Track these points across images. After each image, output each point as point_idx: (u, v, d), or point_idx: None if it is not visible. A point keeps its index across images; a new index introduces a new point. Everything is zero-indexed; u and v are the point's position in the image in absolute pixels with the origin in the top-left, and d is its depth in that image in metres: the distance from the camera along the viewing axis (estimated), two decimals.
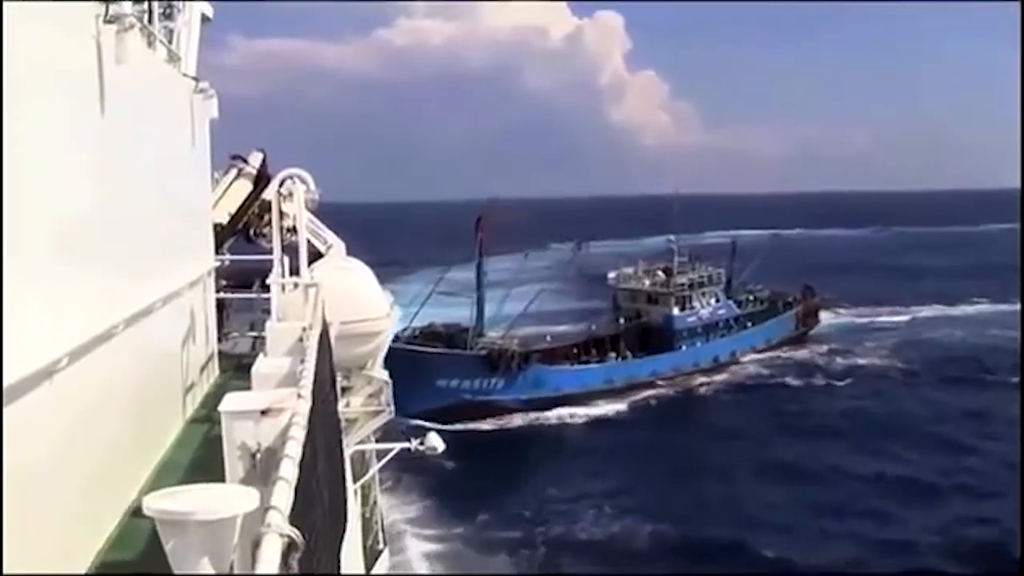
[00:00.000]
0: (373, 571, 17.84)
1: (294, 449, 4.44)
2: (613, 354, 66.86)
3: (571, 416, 60.96)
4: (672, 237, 74.52)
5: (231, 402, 5.36)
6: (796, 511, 43.49)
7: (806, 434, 55.69)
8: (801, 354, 76.30)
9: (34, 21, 6.76)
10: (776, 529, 40.97)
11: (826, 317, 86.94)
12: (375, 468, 19.15)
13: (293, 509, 3.86)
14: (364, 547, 17.45)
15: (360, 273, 15.17)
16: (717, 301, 74.19)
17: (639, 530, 41.42)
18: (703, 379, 69.72)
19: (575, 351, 66.29)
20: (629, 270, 75.30)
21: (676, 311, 70.49)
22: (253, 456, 5.25)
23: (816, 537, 40.44)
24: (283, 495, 3.77)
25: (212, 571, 3.84)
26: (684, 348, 70.41)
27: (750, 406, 63.33)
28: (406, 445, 17.35)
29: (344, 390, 15.21)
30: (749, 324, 75.75)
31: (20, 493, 6.18)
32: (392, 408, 15.34)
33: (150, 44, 11.98)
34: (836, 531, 41.08)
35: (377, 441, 18.06)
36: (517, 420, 60.15)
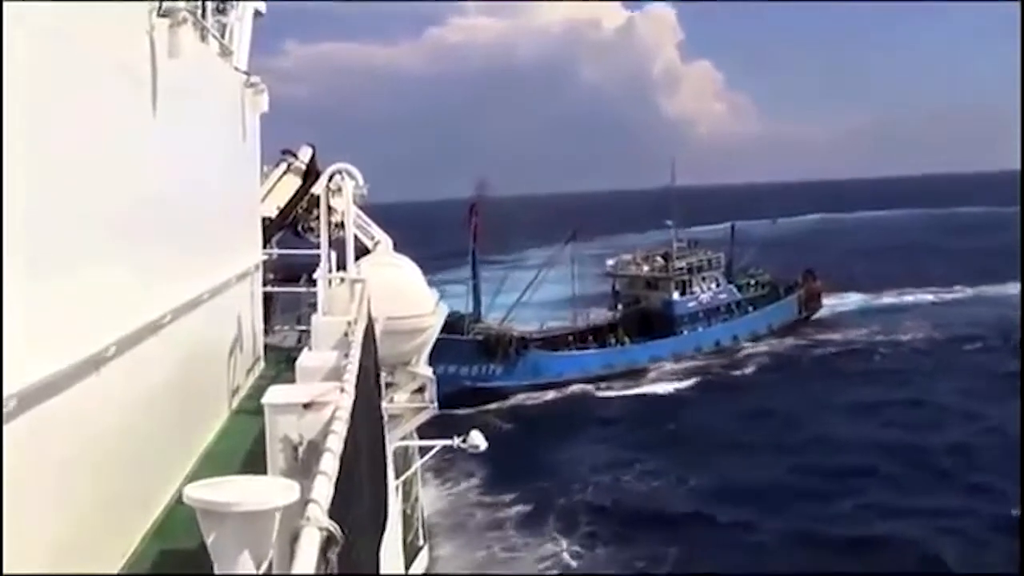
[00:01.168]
0: (412, 567, 17.91)
1: (335, 443, 4.43)
2: (613, 339, 66.16)
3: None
4: (669, 222, 73.73)
5: (275, 395, 5.37)
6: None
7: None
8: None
9: (89, 14, 6.83)
10: None
11: (830, 302, 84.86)
12: (417, 464, 19.23)
13: (333, 503, 3.85)
14: (404, 543, 17.53)
15: (407, 269, 15.20)
16: (717, 285, 73.12)
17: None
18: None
19: (572, 339, 65.55)
20: (628, 257, 74.86)
21: (676, 296, 69.79)
22: (295, 449, 5.25)
23: None
24: (323, 488, 3.76)
25: (251, 563, 3.85)
26: (685, 333, 69.39)
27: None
28: (448, 442, 17.40)
29: (388, 386, 15.27)
30: (751, 309, 74.59)
31: (66, 481, 6.26)
32: (436, 404, 15.36)
33: (203, 38, 12.07)
34: None
35: (420, 438, 18.12)
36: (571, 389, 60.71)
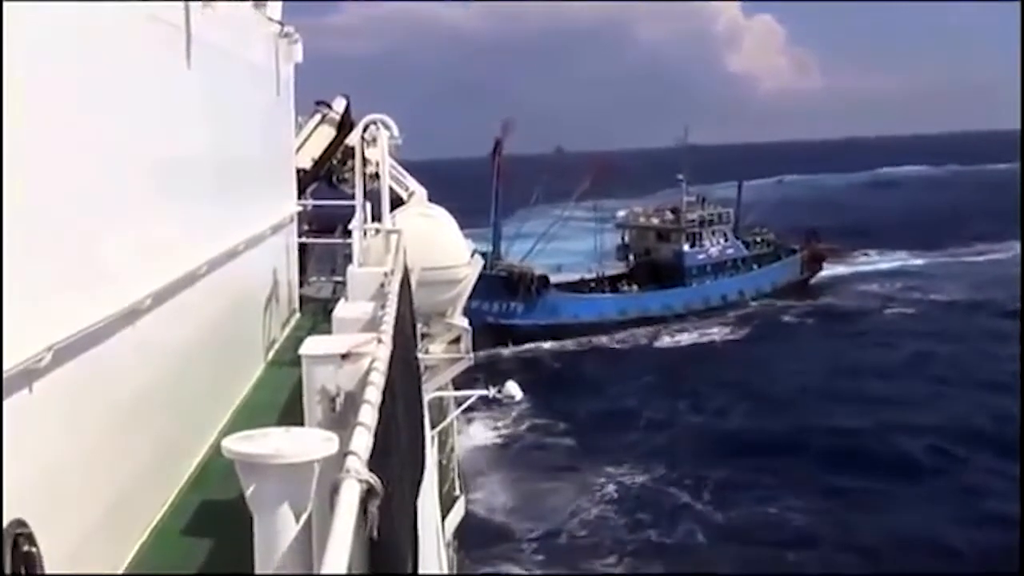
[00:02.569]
0: (449, 517, 17.98)
1: (373, 395, 4.39)
2: (626, 287, 67.63)
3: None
4: (680, 176, 73.35)
5: (311, 346, 5.32)
6: None
7: None
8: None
9: None
10: None
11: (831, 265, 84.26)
12: (453, 415, 19.25)
13: (372, 455, 3.81)
14: (440, 494, 17.59)
15: (442, 220, 15.08)
16: (725, 240, 73.74)
17: None
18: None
19: (586, 285, 66.93)
20: (638, 209, 75.94)
21: (686, 247, 70.48)
22: (332, 401, 5.21)
23: None
24: (362, 440, 3.72)
25: (291, 515, 3.82)
26: (694, 285, 70.13)
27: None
28: (484, 393, 17.40)
29: (424, 336, 15.25)
30: (755, 266, 75.10)
31: (104, 433, 6.28)
32: (471, 355, 15.34)
33: None
34: None
35: (455, 388, 18.14)
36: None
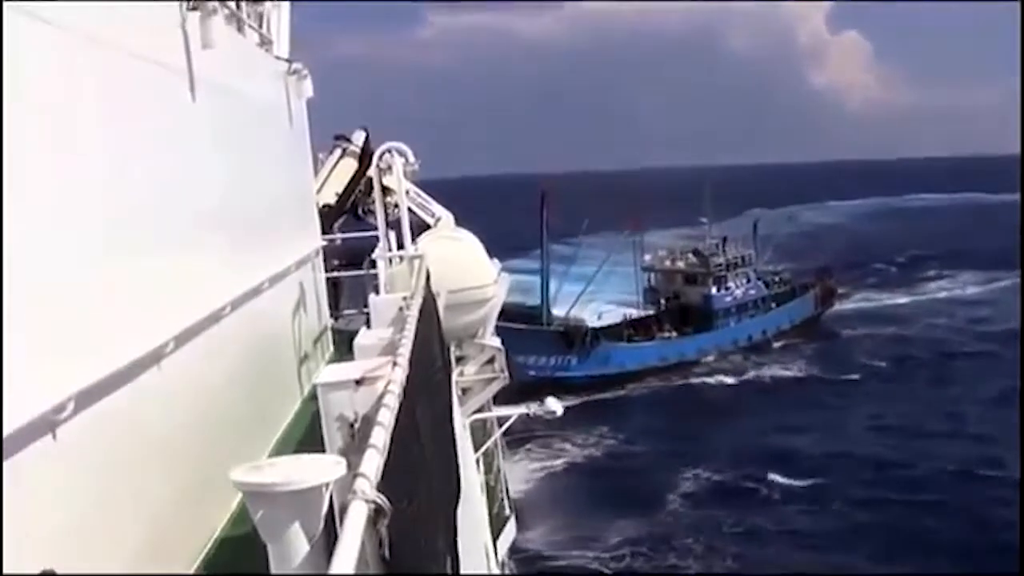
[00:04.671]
0: (501, 538, 17.94)
1: (386, 417, 4.39)
2: (660, 333, 69.61)
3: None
4: (704, 219, 77.03)
5: (327, 374, 5.36)
6: None
7: None
8: None
9: (118, 11, 6.83)
10: None
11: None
12: (496, 435, 19.22)
13: (389, 477, 3.80)
14: (490, 514, 17.55)
15: (466, 242, 15.09)
16: (748, 281, 75.89)
17: None
18: None
19: (631, 331, 68.78)
20: (663, 252, 77.80)
21: (714, 291, 72.59)
22: (351, 426, 5.22)
23: None
24: (372, 462, 3.72)
25: (303, 540, 3.82)
26: (721, 327, 72.21)
27: None
28: (525, 411, 17.37)
29: (458, 359, 15.24)
30: (774, 305, 77.33)
31: (132, 478, 6.30)
32: (506, 375, 15.31)
33: (239, 30, 12.08)
34: None
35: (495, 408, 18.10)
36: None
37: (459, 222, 19.10)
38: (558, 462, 47.97)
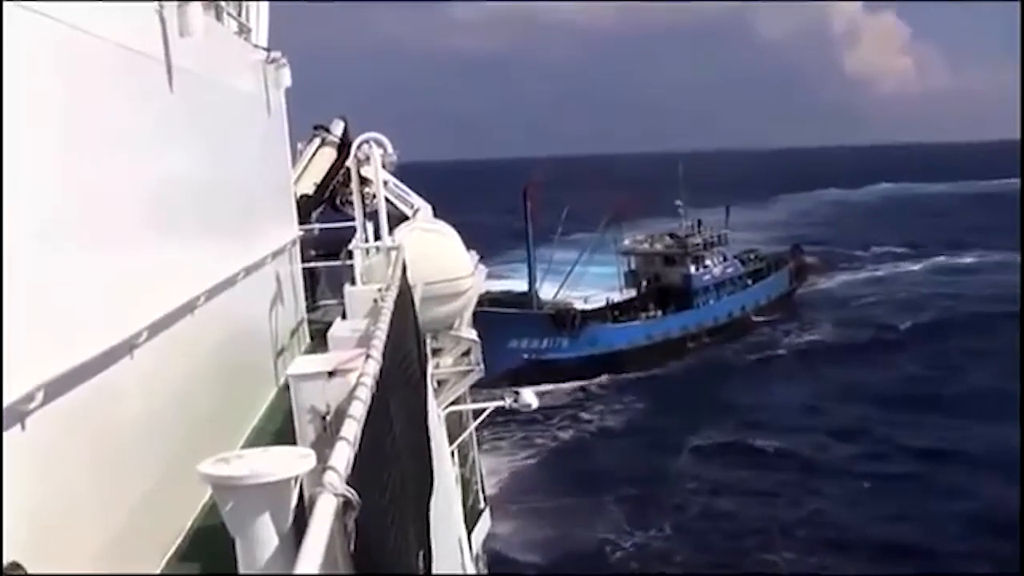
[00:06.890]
0: (475, 531, 17.94)
1: (358, 409, 4.38)
2: (643, 313, 70.86)
3: None
4: (679, 203, 78.27)
5: (299, 365, 5.34)
6: None
7: None
8: None
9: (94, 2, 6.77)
10: None
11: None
12: (471, 428, 19.23)
13: (359, 469, 3.79)
14: (464, 507, 17.55)
15: (443, 234, 15.09)
16: (725, 260, 77.86)
17: None
18: None
19: (616, 313, 70.24)
20: (640, 237, 78.98)
21: (693, 270, 74.26)
22: (323, 419, 5.21)
23: None
24: (342, 455, 3.71)
25: (272, 533, 3.80)
26: (701, 306, 73.82)
27: None
28: (500, 403, 17.40)
29: (435, 351, 15.24)
30: (750, 282, 79.43)
31: (103, 469, 6.26)
32: (482, 367, 15.33)
33: (218, 18, 12.00)
34: None
35: (472, 401, 18.12)
36: None
37: (436, 214, 19.07)
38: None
